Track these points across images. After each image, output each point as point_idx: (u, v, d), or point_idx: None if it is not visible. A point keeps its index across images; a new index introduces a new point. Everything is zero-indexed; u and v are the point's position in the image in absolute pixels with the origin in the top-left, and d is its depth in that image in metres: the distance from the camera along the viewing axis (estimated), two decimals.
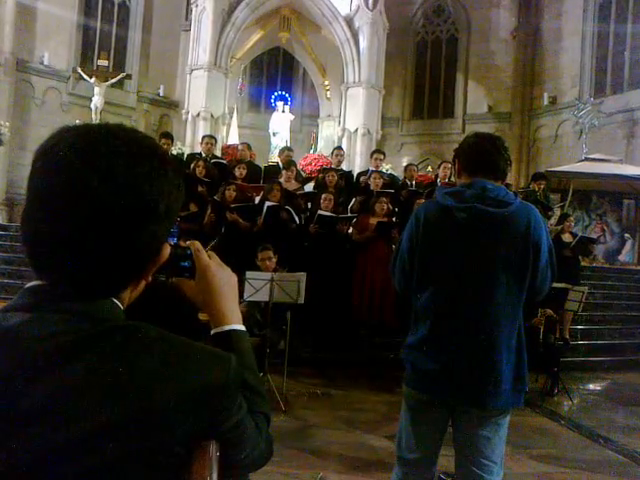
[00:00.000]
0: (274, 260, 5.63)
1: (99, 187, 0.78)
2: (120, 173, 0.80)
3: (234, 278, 1.09)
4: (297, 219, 7.30)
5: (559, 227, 8.57)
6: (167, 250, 0.91)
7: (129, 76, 16.27)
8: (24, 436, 0.74)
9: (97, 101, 14.55)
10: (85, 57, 16.66)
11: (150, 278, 0.93)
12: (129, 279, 0.88)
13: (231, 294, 1.07)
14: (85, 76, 14.84)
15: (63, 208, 0.78)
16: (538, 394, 6.15)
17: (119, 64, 16.90)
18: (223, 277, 1.06)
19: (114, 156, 0.81)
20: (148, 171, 0.83)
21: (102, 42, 17.07)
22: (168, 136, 9.03)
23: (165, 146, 8.62)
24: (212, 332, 1.03)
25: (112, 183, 0.79)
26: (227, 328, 1.03)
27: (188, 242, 1.06)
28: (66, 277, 0.82)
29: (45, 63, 15.28)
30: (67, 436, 0.74)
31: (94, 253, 0.80)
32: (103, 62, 15.55)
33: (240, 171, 8.32)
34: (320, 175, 9.07)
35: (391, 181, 8.79)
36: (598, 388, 7.19)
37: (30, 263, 0.83)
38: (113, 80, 15.18)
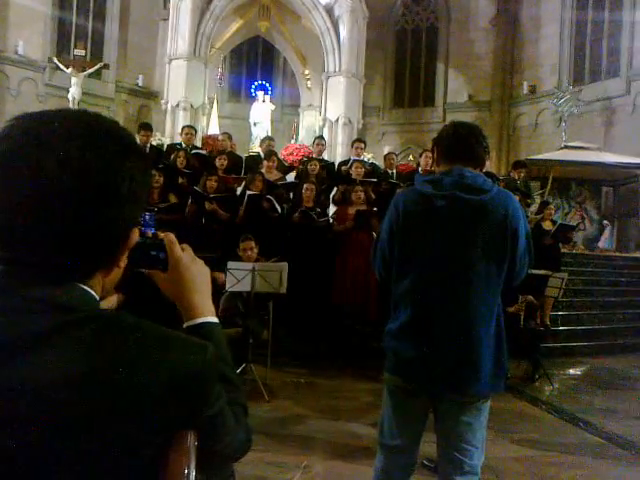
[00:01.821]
0: (255, 251, 5.62)
1: (55, 170, 0.77)
2: (75, 155, 0.79)
3: (207, 271, 1.08)
4: (279, 208, 7.28)
5: (539, 216, 8.65)
6: (136, 235, 0.90)
7: (107, 66, 16.07)
8: None
9: (74, 92, 14.37)
10: (61, 47, 16.43)
11: (123, 266, 0.92)
12: (96, 264, 0.87)
13: (204, 287, 1.06)
14: (61, 66, 14.64)
15: (20, 193, 0.77)
16: (519, 380, 6.23)
17: (96, 54, 16.70)
18: (195, 270, 1.05)
19: (69, 139, 0.80)
20: (105, 153, 0.82)
21: (78, 31, 16.85)
22: (147, 127, 8.96)
23: (144, 138, 8.56)
24: (185, 325, 1.02)
25: (68, 166, 0.78)
26: (200, 321, 1.02)
27: (162, 234, 1.05)
28: (30, 262, 0.80)
29: (20, 52, 15.02)
30: (38, 428, 0.74)
31: (55, 237, 0.79)
32: (80, 52, 15.34)
33: (221, 162, 8.27)
34: (301, 166, 9.04)
35: (372, 170, 8.79)
36: (578, 373, 7.30)
37: None
38: (90, 70, 14.99)
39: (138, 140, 7.38)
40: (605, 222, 14.74)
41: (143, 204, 0.90)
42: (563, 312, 8.52)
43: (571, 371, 7.29)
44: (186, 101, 14.93)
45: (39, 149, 0.78)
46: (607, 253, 13.47)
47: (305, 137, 16.32)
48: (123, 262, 0.91)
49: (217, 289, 5.24)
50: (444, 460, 2.34)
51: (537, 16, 18.34)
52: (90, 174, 0.79)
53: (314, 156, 9.17)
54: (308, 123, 17.57)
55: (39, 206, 0.77)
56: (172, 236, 1.05)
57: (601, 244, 14.55)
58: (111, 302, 1.09)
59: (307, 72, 17.57)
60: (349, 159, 9.08)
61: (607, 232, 14.72)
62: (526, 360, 6.46)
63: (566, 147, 14.70)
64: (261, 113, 15.68)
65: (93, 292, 0.86)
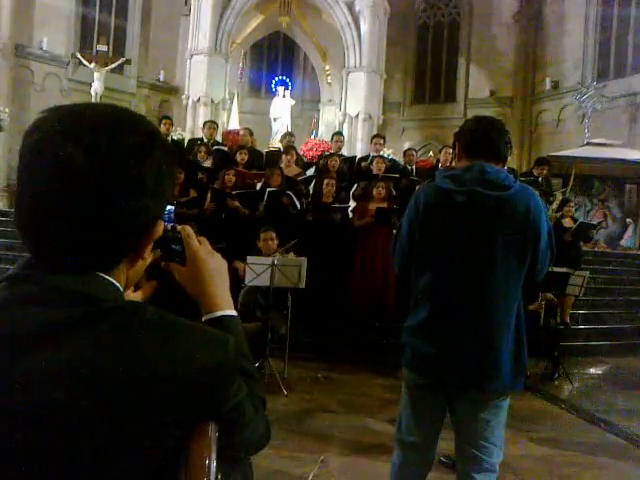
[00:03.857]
0: (275, 242, 5.65)
1: (84, 161, 0.78)
2: (104, 147, 0.80)
3: (224, 264, 1.09)
4: (298, 205, 7.29)
5: (558, 213, 8.55)
6: (161, 227, 0.91)
7: (129, 61, 16.20)
8: (6, 418, 0.75)
9: (97, 87, 14.51)
10: (84, 43, 16.59)
11: (147, 258, 0.93)
12: (120, 255, 0.88)
13: (221, 280, 1.06)
14: (84, 61, 14.79)
15: (50, 184, 0.79)
16: (539, 378, 6.17)
17: (118, 49, 16.84)
18: (213, 263, 1.06)
19: (98, 131, 0.81)
20: (133, 145, 0.83)
21: (101, 27, 16.98)
22: (168, 118, 9.20)
23: (166, 126, 8.69)
24: (203, 319, 1.03)
25: (95, 157, 0.79)
26: (219, 314, 1.03)
27: (179, 227, 1.05)
28: (54, 251, 0.82)
29: (44, 48, 15.20)
30: (58, 419, 0.75)
31: (81, 226, 0.80)
32: (102, 47, 15.49)
33: (242, 156, 8.30)
34: (322, 161, 9.04)
35: (393, 166, 8.76)
36: (598, 372, 7.21)
37: (21, 237, 0.84)
38: (113, 65, 15.12)
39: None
40: (628, 220, 14.51)
41: (168, 197, 0.91)
42: (584, 311, 8.42)
43: (591, 370, 7.20)
44: (207, 96, 14.98)
45: (68, 140, 0.79)
46: (629, 251, 13.28)
47: (325, 132, 16.27)
48: (148, 254, 0.92)
49: (237, 279, 5.26)
50: (462, 457, 2.33)
51: (561, 11, 18.07)
52: (117, 165, 0.80)
53: (332, 152, 9.16)
54: (328, 118, 17.53)
55: (66, 195, 0.79)
56: (189, 229, 1.06)
57: (623, 242, 14.33)
58: (138, 296, 1.10)
59: (327, 67, 17.52)
60: (368, 155, 9.06)
61: (630, 230, 14.49)
62: (546, 359, 6.40)
63: (589, 144, 14.48)
64: (281, 108, 15.67)
65: (117, 283, 0.87)
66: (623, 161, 13.32)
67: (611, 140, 14.29)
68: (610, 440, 4.56)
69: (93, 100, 14.01)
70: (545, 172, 9.15)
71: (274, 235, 5.64)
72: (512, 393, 2.32)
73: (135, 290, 1.08)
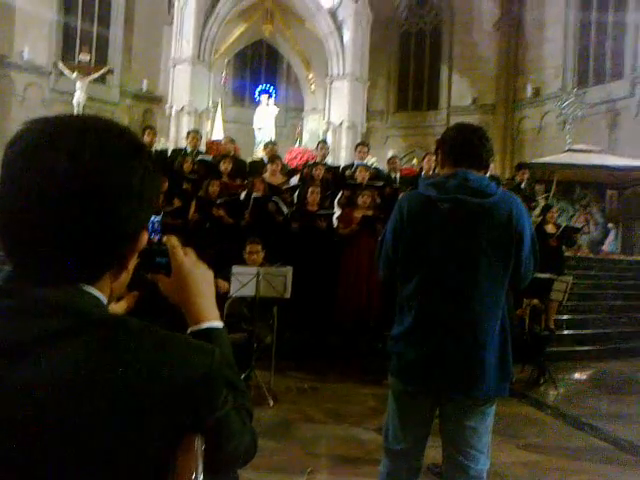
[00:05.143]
0: (261, 254, 5.62)
1: (68, 171, 0.78)
2: (87, 156, 0.79)
3: (210, 275, 1.08)
4: (285, 210, 7.28)
5: (539, 219, 8.63)
6: (145, 237, 0.90)
7: (111, 71, 16.15)
8: None
9: (79, 97, 14.44)
10: (66, 52, 16.52)
11: (131, 270, 0.92)
12: (104, 266, 0.87)
13: (207, 291, 1.06)
14: (66, 71, 14.71)
15: (34, 194, 0.78)
16: (524, 384, 6.20)
17: (101, 59, 16.79)
18: (199, 274, 1.05)
19: (81, 140, 0.81)
20: (116, 155, 0.83)
21: (83, 37, 16.93)
22: (151, 128, 9.18)
23: (149, 137, 8.65)
24: (189, 330, 1.02)
25: (79, 166, 0.79)
26: (205, 325, 1.02)
27: (165, 238, 1.05)
28: (38, 262, 0.81)
29: (25, 58, 15.10)
30: (42, 431, 0.74)
31: (64, 237, 0.79)
32: (85, 57, 15.43)
33: (225, 165, 8.26)
34: (306, 169, 9.04)
35: (377, 174, 8.79)
36: (583, 377, 7.26)
37: (3, 249, 0.83)
38: (95, 75, 15.06)
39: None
40: (610, 225, 14.69)
41: (152, 207, 0.91)
42: (568, 316, 8.48)
43: (576, 375, 7.25)
44: (190, 106, 14.97)
45: (52, 149, 0.79)
46: (612, 256, 13.42)
47: (309, 141, 16.33)
48: (132, 265, 0.92)
49: (219, 296, 5.22)
50: (449, 465, 2.33)
51: (541, 18, 18.33)
52: (101, 175, 0.80)
53: (317, 160, 9.18)
54: (312, 127, 17.58)
55: (50, 205, 0.78)
56: (175, 240, 1.05)
57: (606, 247, 14.50)
58: (122, 307, 1.09)
59: (311, 76, 17.60)
60: (353, 163, 9.08)
61: (612, 235, 14.67)
62: (531, 364, 6.43)
63: (570, 150, 14.67)
64: (265, 117, 15.70)
65: (101, 295, 0.86)
66: (604, 167, 13.49)
67: (592, 146, 14.48)
68: (596, 444, 4.59)
69: (75, 110, 13.94)
70: (526, 176, 9.29)
71: (260, 248, 5.61)
72: (498, 399, 2.32)
73: (117, 301, 1.07)
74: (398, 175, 9.10)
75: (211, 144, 12.85)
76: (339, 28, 16.20)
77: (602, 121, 16.26)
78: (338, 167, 9.66)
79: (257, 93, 17.69)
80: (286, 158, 12.20)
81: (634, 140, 14.79)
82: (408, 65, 20.80)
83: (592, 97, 16.27)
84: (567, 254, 9.36)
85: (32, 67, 15.37)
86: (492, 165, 2.93)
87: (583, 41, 17.59)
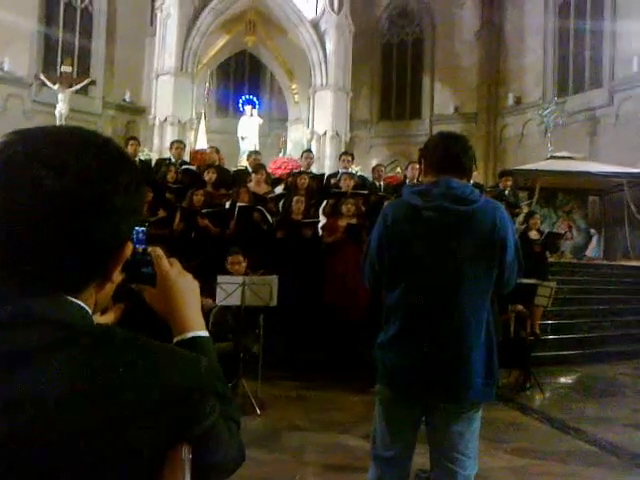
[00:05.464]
0: (244, 265, 5.62)
1: (52, 182, 0.78)
2: (72, 167, 0.79)
3: (195, 285, 1.08)
4: (270, 219, 7.29)
5: (523, 226, 8.72)
6: (129, 248, 0.90)
7: (94, 82, 16.07)
8: None
9: (61, 108, 14.35)
10: (48, 63, 16.41)
11: (116, 281, 0.92)
12: (89, 277, 0.87)
13: (193, 301, 1.05)
14: (48, 82, 14.63)
15: (16, 203, 0.78)
16: (510, 389, 6.24)
17: (83, 70, 16.70)
18: (184, 284, 1.05)
19: (66, 151, 0.81)
20: (101, 165, 0.82)
21: (65, 48, 16.84)
22: (135, 138, 9.22)
23: (133, 147, 8.64)
24: (175, 340, 1.02)
25: (63, 176, 0.78)
26: (190, 335, 1.02)
27: (150, 248, 1.05)
28: (22, 274, 0.80)
29: (5, 69, 14.98)
30: (26, 446, 0.73)
31: (49, 248, 0.79)
32: (67, 68, 15.34)
33: (209, 175, 8.25)
34: (290, 178, 9.05)
35: (362, 182, 8.83)
36: (569, 381, 7.31)
37: None
38: (78, 86, 14.99)
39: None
40: (592, 231, 14.84)
41: (137, 218, 0.90)
42: (553, 321, 8.54)
43: (562, 379, 7.30)
44: (173, 116, 14.94)
45: (36, 160, 0.78)
46: (594, 262, 13.56)
47: (293, 151, 16.35)
48: (117, 276, 0.91)
49: (204, 313, 5.19)
50: (438, 471, 2.34)
51: (521, 27, 18.58)
52: (85, 185, 0.80)
53: (302, 169, 9.20)
54: (296, 137, 17.62)
55: (34, 217, 0.78)
56: (159, 250, 1.05)
57: (588, 253, 14.64)
58: (108, 319, 1.08)
59: (294, 86, 17.65)
60: (337, 172, 9.11)
61: (594, 241, 14.81)
62: (517, 369, 6.48)
63: (553, 157, 14.83)
64: (249, 127, 15.71)
65: (86, 306, 0.86)
66: (585, 173, 13.65)
67: (573, 153, 14.65)
68: (582, 448, 4.62)
69: (58, 122, 13.84)
70: (510, 183, 9.38)
71: (241, 259, 5.61)
72: (484, 404, 2.34)
73: (102, 313, 1.06)
74: (383, 183, 9.14)
75: (195, 154, 12.84)
76: (321, 39, 16.30)
77: (582, 129, 16.47)
78: (323, 175, 9.69)
79: (241, 103, 17.69)
80: (271, 168, 12.21)
81: (614, 147, 15.00)
82: (391, 75, 20.94)
83: (572, 105, 16.49)
84: (551, 260, 9.43)
85: (13, 78, 15.25)
86: (475, 173, 2.96)
87: (562, 50, 17.84)
